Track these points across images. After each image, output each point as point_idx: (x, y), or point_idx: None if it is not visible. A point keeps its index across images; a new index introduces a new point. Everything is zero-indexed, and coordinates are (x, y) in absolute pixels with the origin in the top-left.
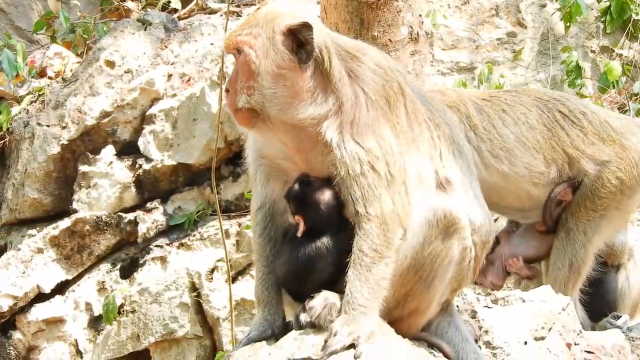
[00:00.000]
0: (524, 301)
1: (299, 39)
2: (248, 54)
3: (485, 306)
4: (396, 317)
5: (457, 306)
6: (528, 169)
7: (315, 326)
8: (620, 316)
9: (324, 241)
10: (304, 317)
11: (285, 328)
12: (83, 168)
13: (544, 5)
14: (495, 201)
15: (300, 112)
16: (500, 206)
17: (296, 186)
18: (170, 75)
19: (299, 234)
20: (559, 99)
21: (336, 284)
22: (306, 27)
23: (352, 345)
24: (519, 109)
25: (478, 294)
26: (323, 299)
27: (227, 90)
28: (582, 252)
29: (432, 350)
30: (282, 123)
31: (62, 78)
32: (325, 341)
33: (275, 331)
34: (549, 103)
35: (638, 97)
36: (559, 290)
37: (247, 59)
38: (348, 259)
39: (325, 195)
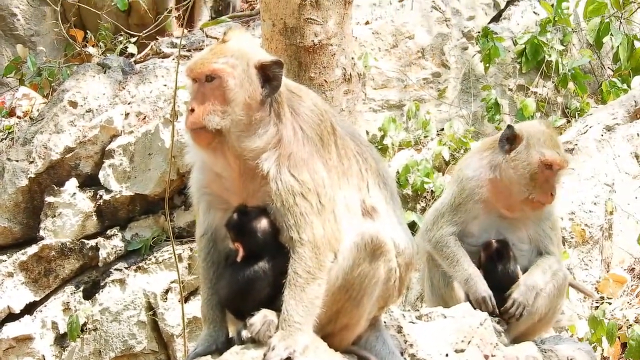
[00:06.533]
0: (445, 317)
1: (267, 75)
2: (226, 81)
3: (410, 322)
4: (328, 332)
5: (385, 322)
6: None
7: (256, 341)
8: None
9: (262, 265)
10: (245, 333)
11: (229, 343)
12: (49, 199)
13: (465, 48)
14: None
15: (249, 142)
16: None
17: (234, 216)
18: (127, 114)
19: (239, 259)
20: None
21: (274, 302)
22: (277, 64)
23: (289, 359)
24: None
25: (403, 310)
26: (262, 317)
27: (191, 110)
28: None
29: None
30: (233, 150)
31: (29, 117)
32: (265, 355)
33: (219, 346)
34: None
35: None
36: None
37: (224, 86)
38: (284, 280)
39: (262, 224)
